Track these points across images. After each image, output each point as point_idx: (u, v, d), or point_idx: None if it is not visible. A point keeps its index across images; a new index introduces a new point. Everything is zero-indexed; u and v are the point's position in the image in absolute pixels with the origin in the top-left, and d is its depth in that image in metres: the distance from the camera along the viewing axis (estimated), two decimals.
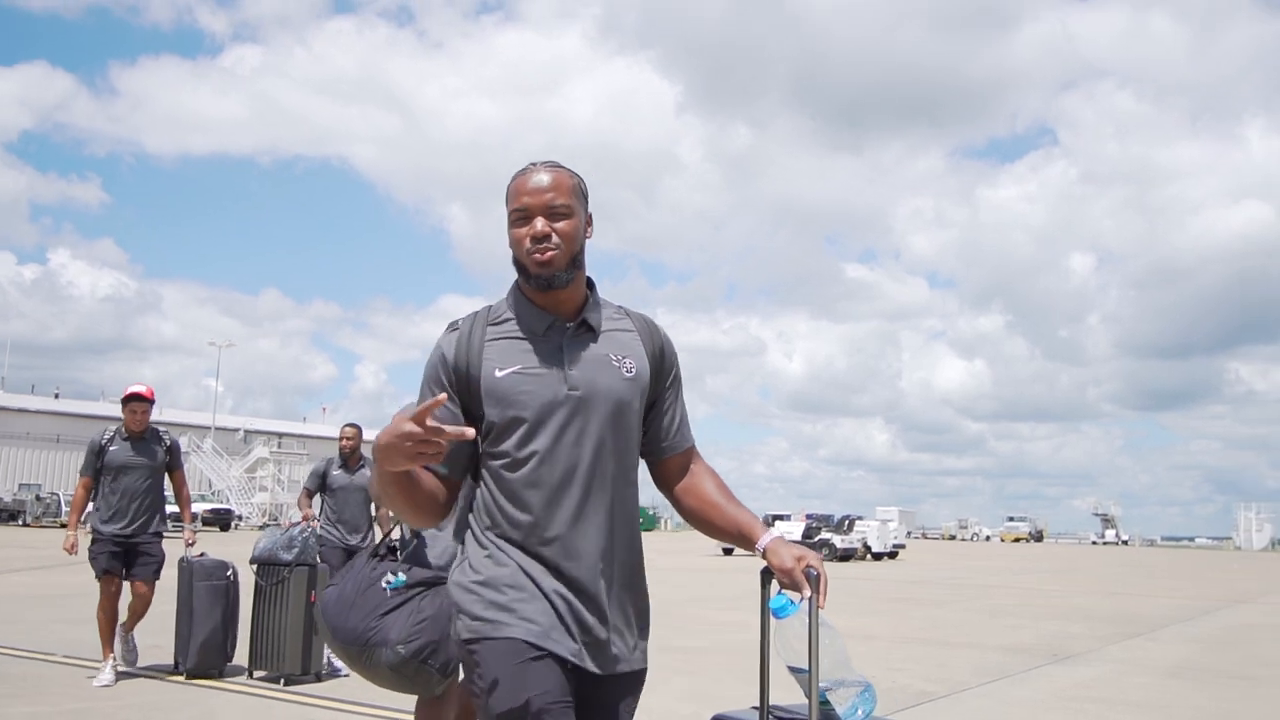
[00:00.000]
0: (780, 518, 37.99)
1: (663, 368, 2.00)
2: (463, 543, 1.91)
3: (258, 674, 6.44)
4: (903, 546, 40.20)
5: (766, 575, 1.89)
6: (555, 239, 1.84)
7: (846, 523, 36.24)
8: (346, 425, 7.69)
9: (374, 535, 7.38)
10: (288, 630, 6.32)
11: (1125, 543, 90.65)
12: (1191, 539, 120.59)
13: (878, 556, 35.86)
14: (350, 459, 7.56)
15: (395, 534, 3.45)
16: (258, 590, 6.48)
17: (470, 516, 1.90)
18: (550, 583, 1.77)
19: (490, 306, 1.97)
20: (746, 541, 1.93)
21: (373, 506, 7.52)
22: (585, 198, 1.95)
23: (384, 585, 3.05)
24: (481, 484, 1.88)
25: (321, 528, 7.34)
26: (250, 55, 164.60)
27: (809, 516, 37.02)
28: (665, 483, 2.05)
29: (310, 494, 7.78)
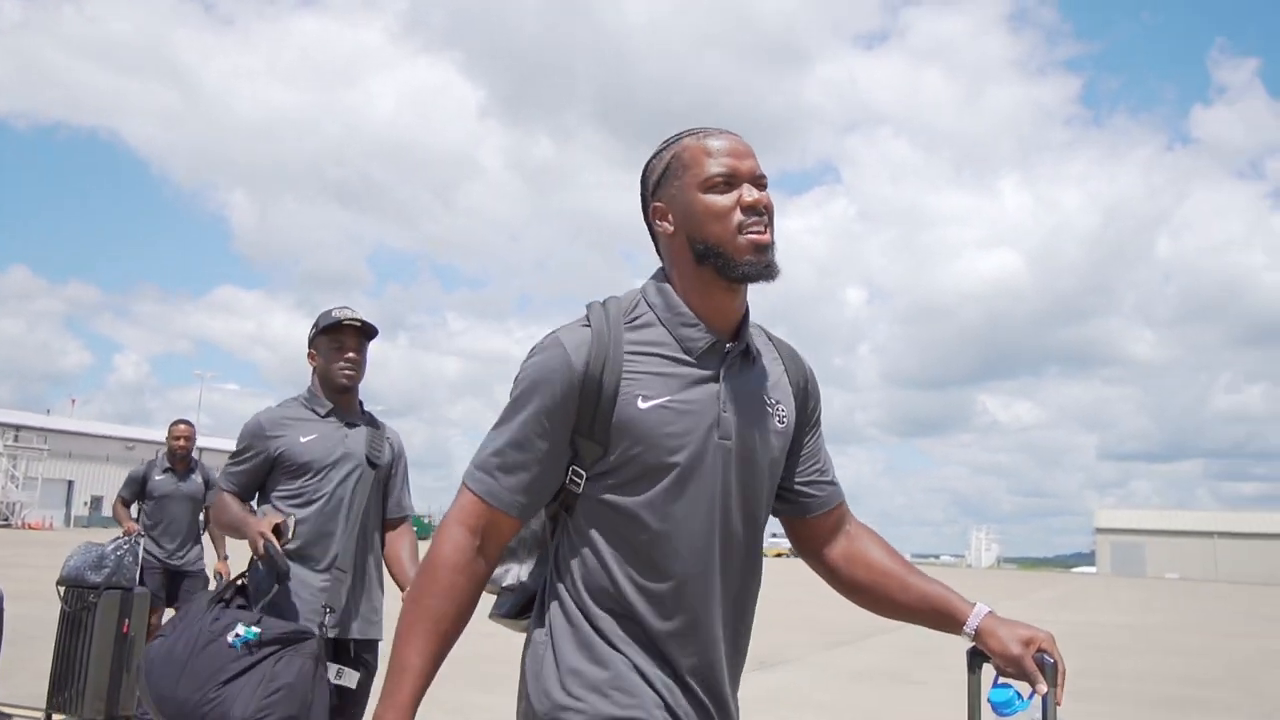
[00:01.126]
0: None
1: (808, 408, 1.63)
2: (540, 616, 1.48)
3: (57, 717, 5.38)
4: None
5: (978, 658, 1.51)
6: (768, 215, 1.47)
7: None
8: (179, 422, 6.66)
9: (202, 555, 6.46)
10: (90, 666, 5.26)
11: None
12: (936, 556, 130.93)
13: None
14: (180, 462, 6.52)
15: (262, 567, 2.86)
16: (63, 617, 5.42)
17: (555, 577, 1.47)
18: (669, 684, 1.40)
19: (617, 299, 1.52)
20: (947, 621, 1.53)
21: (202, 519, 6.52)
22: None
23: (231, 640, 2.48)
24: (575, 534, 1.46)
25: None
26: (10, 8, 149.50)
27: None
28: (813, 547, 1.65)
29: (127, 503, 6.68)
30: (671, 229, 1.50)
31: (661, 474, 1.41)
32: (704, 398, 1.44)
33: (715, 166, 1.45)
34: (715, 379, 1.46)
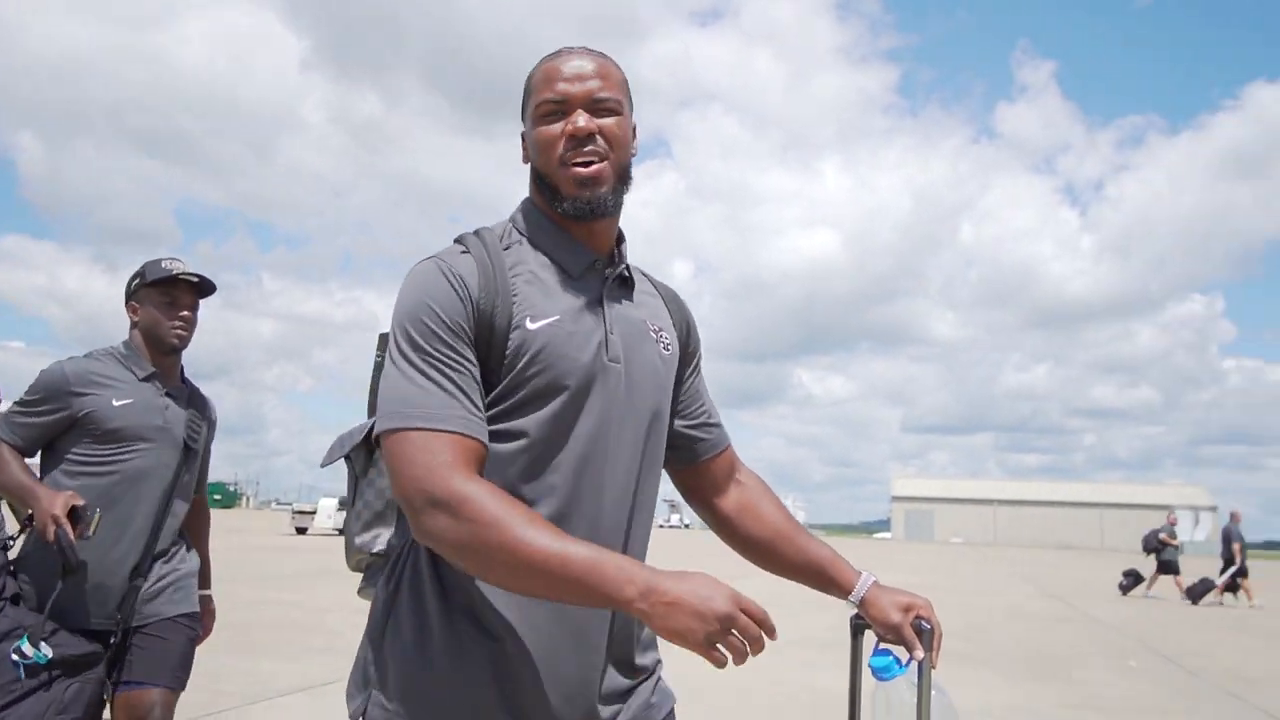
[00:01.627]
0: None
1: (689, 347, 1.58)
2: (389, 579, 1.35)
3: None
4: None
5: (860, 625, 1.55)
6: (602, 143, 1.37)
7: None
8: None
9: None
10: None
11: (687, 526, 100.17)
12: None
13: None
14: None
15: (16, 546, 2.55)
16: None
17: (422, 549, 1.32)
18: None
19: (489, 228, 1.43)
20: (833, 585, 1.54)
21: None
22: (630, 97, 1.45)
23: (13, 659, 2.24)
24: None
25: None
26: None
27: None
28: (705, 496, 1.60)
29: None
30: (526, 156, 1.45)
31: (552, 395, 1.32)
32: (590, 318, 1.37)
33: (547, 92, 1.38)
34: (598, 301, 1.40)
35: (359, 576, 1.48)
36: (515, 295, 1.32)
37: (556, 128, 1.36)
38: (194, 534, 2.93)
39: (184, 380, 2.90)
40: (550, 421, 1.31)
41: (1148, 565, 20.35)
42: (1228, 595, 18.24)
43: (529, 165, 1.43)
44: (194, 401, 2.88)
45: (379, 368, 1.43)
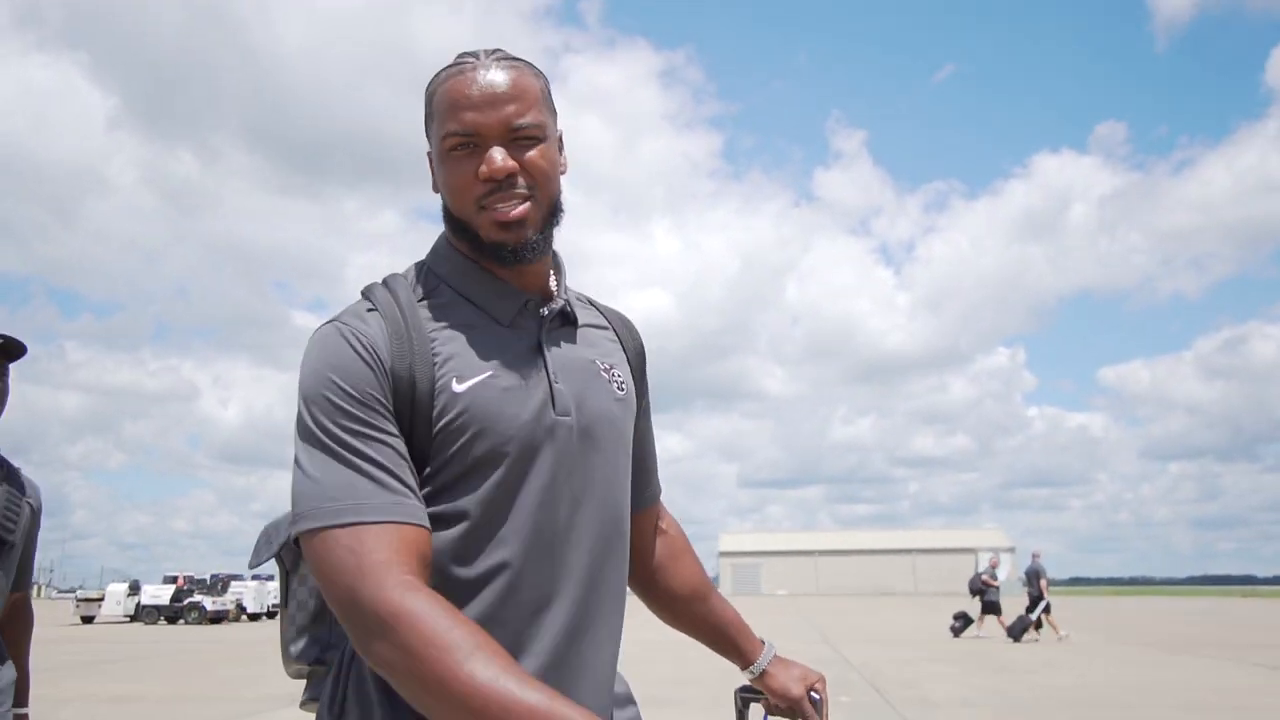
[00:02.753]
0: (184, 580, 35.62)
1: (642, 384, 1.39)
2: (335, 683, 1.15)
3: None
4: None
5: (748, 695, 1.49)
6: (524, 182, 1.17)
7: (219, 584, 34.86)
8: None
9: None
10: None
11: None
12: None
13: (254, 617, 35.00)
14: None
15: None
16: None
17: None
18: None
19: (398, 275, 1.23)
20: (735, 652, 1.49)
21: None
22: (554, 107, 1.26)
23: None
24: None
25: None
26: None
27: (185, 578, 35.08)
28: (631, 545, 1.37)
29: None
30: (434, 187, 1.24)
31: (492, 464, 1.12)
32: (528, 368, 1.17)
33: (453, 123, 1.15)
34: (537, 346, 1.20)
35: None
36: (436, 354, 1.13)
37: (469, 167, 1.15)
38: (10, 641, 2.54)
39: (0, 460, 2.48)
40: (493, 494, 1.12)
41: (974, 607, 21.75)
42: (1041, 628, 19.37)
43: (440, 198, 1.22)
44: (12, 484, 2.46)
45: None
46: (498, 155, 1.15)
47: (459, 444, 1.12)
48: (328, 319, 1.16)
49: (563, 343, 1.25)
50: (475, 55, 1.19)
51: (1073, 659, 14.85)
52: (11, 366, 2.41)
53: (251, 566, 1.29)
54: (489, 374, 1.14)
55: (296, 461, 1.09)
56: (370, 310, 1.16)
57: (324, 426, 1.07)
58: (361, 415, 1.08)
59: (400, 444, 1.09)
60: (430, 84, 1.22)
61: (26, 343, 2.40)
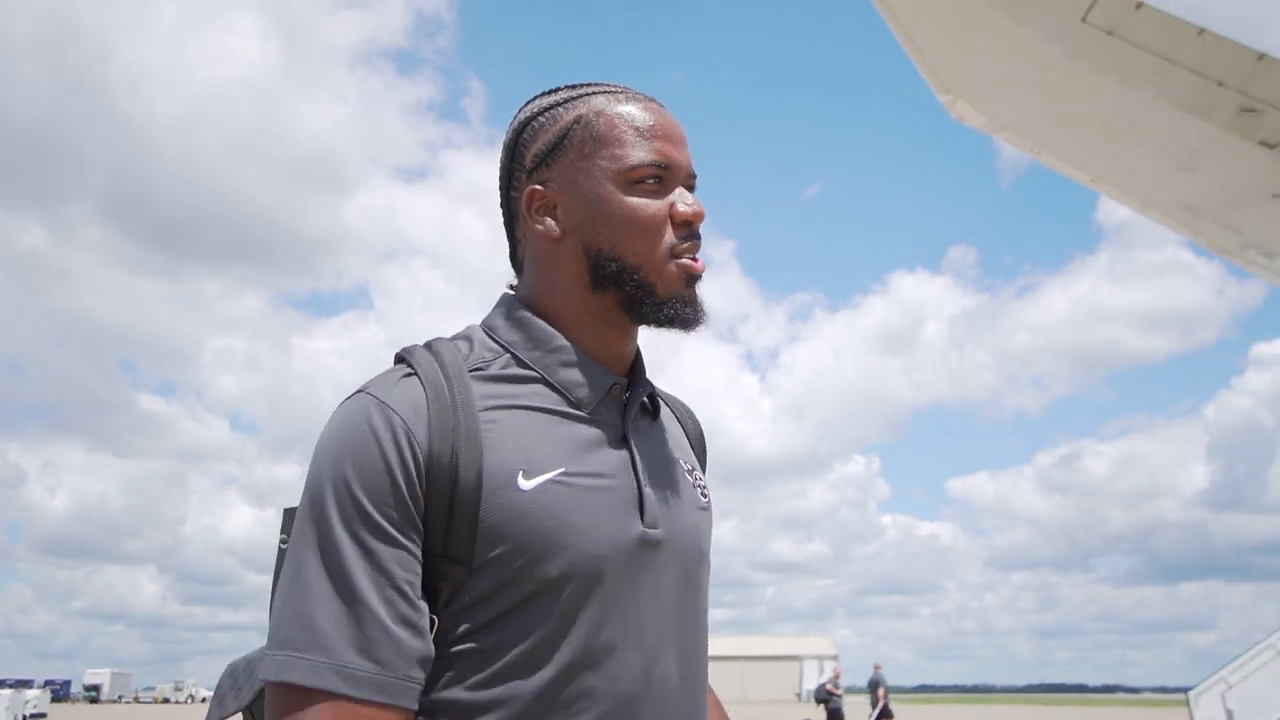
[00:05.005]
0: (24, 683, 34.50)
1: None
2: None
3: None
4: (43, 715, 37.68)
5: None
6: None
7: None
8: None
9: None
10: None
11: None
12: None
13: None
14: None
15: None
16: None
17: None
18: None
19: (446, 340, 1.01)
20: None
21: None
22: None
23: None
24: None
25: None
26: None
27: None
28: None
29: None
30: (558, 230, 1.02)
31: (562, 593, 0.88)
32: (614, 467, 0.96)
33: (645, 152, 0.99)
34: (622, 440, 0.99)
35: None
36: (490, 439, 0.91)
37: (659, 205, 1.00)
38: None
39: None
40: (563, 635, 0.88)
41: (819, 715, 22.62)
42: None
43: (550, 241, 1.02)
44: None
45: (279, 551, 1.10)
46: (689, 197, 1.01)
47: (521, 561, 0.88)
48: (358, 388, 0.95)
49: (648, 436, 1.04)
50: (624, 88, 1.04)
51: None
52: None
53: None
54: (562, 470, 0.92)
55: (285, 572, 0.89)
56: (407, 376, 0.94)
57: (326, 541, 0.87)
58: (372, 538, 0.87)
59: (415, 573, 0.88)
60: (558, 106, 1.03)
61: None
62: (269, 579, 1.11)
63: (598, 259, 0.99)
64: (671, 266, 0.99)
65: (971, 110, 5.30)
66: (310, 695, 0.83)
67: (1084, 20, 4.49)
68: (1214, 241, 6.01)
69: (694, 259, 1.00)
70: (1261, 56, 4.62)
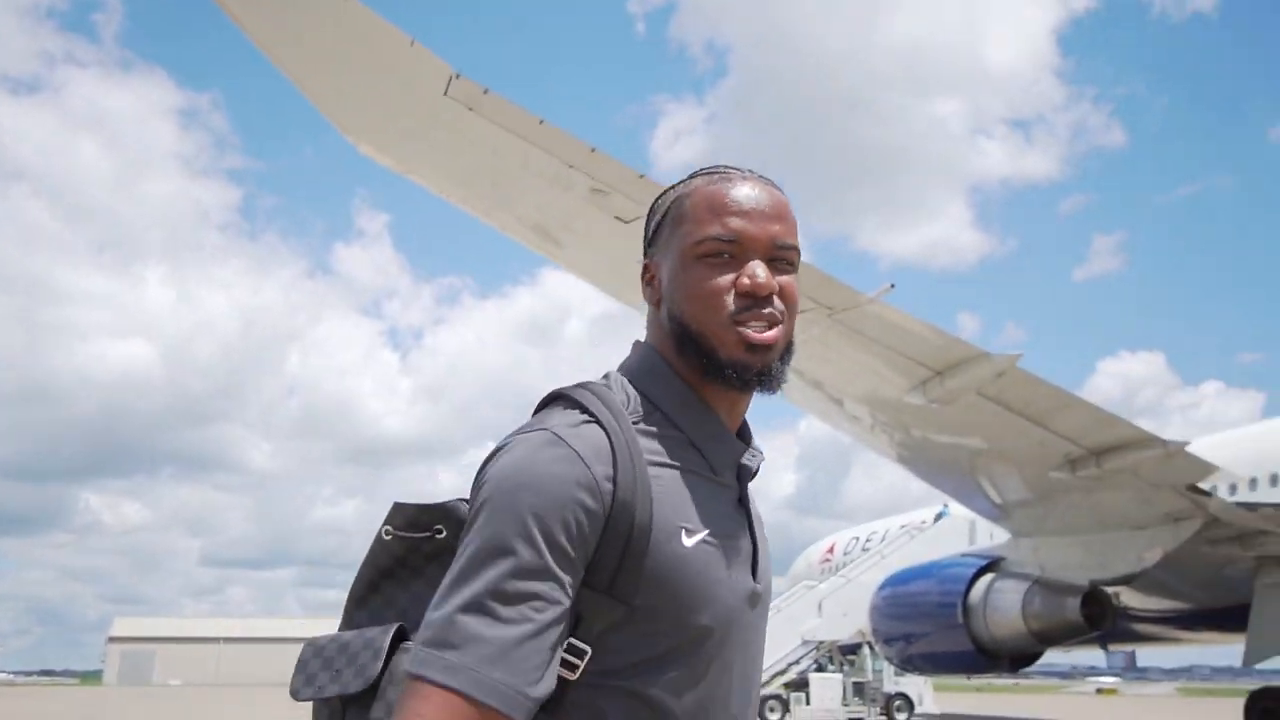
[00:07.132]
0: None
1: None
2: None
3: None
4: None
5: None
6: (779, 304, 1.11)
7: None
8: None
9: None
10: None
11: None
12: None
13: None
14: None
15: None
16: None
17: None
18: None
19: (604, 386, 1.10)
20: None
21: None
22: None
23: None
24: None
25: None
26: None
27: None
28: None
29: None
30: (656, 298, 1.16)
31: (695, 643, 1.01)
32: (739, 527, 1.11)
33: (715, 226, 1.10)
34: (740, 503, 1.13)
35: None
36: (656, 494, 1.01)
37: (725, 278, 1.10)
38: None
39: None
40: (698, 681, 1.03)
41: None
42: None
43: (653, 306, 1.16)
44: None
45: (380, 541, 1.14)
46: (761, 271, 1.10)
47: (678, 611, 1.00)
48: (538, 425, 1.04)
49: (750, 500, 1.17)
50: (735, 168, 1.16)
51: None
52: None
53: (302, 698, 1.07)
54: (708, 531, 1.04)
55: (453, 579, 0.98)
56: (587, 422, 1.03)
57: (497, 576, 0.96)
58: (556, 569, 0.97)
59: (564, 607, 0.97)
60: (675, 190, 1.18)
61: None
62: None
63: (674, 324, 1.12)
64: (732, 334, 1.08)
65: (377, 153, 5.93)
66: (441, 692, 0.93)
67: (445, 94, 5.28)
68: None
69: (759, 328, 1.09)
70: (594, 149, 5.75)
